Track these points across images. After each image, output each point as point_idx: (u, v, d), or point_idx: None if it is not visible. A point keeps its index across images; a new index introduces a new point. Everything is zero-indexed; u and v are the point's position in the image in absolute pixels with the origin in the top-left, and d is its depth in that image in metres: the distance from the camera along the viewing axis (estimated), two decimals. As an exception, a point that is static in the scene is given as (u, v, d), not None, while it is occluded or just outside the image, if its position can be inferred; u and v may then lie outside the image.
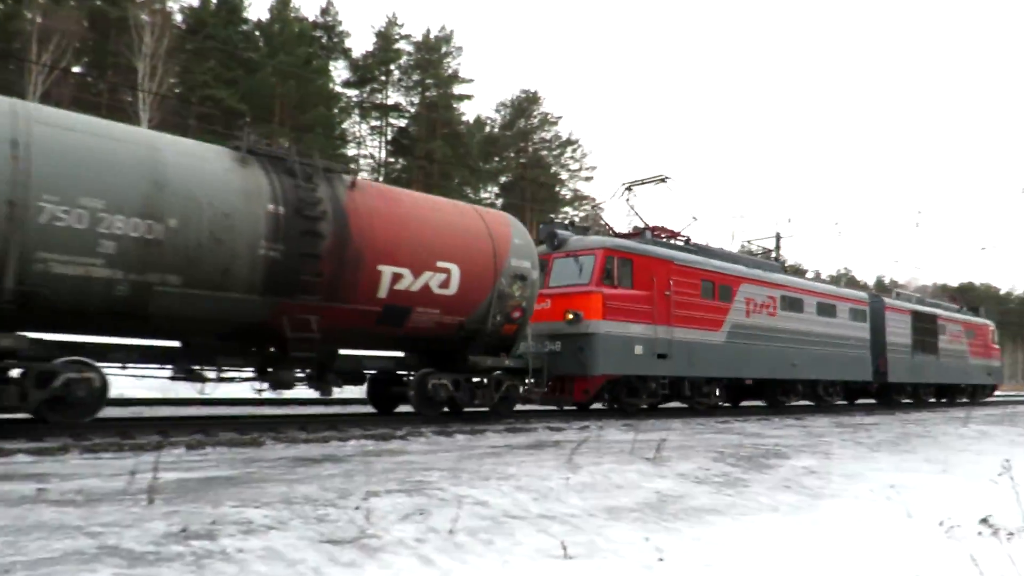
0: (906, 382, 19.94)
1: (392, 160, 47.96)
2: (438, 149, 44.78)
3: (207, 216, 7.85)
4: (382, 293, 9.24)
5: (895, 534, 5.13)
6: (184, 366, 8.20)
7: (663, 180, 15.80)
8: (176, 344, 8.43)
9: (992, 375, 23.86)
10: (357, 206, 9.22)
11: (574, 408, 13.80)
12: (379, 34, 48.27)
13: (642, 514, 5.01)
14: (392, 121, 48.53)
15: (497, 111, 54.27)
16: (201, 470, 5.47)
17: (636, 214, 15.71)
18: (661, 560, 4.17)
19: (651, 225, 15.05)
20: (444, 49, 48.66)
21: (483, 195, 49.34)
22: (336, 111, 44.36)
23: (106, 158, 7.36)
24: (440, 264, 9.85)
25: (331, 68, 45.33)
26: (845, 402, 19.81)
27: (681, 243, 15.24)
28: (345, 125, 46.69)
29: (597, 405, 14.09)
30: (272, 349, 8.77)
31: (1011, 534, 4.78)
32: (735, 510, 5.46)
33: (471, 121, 50.28)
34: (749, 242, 37.03)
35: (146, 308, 7.59)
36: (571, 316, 12.06)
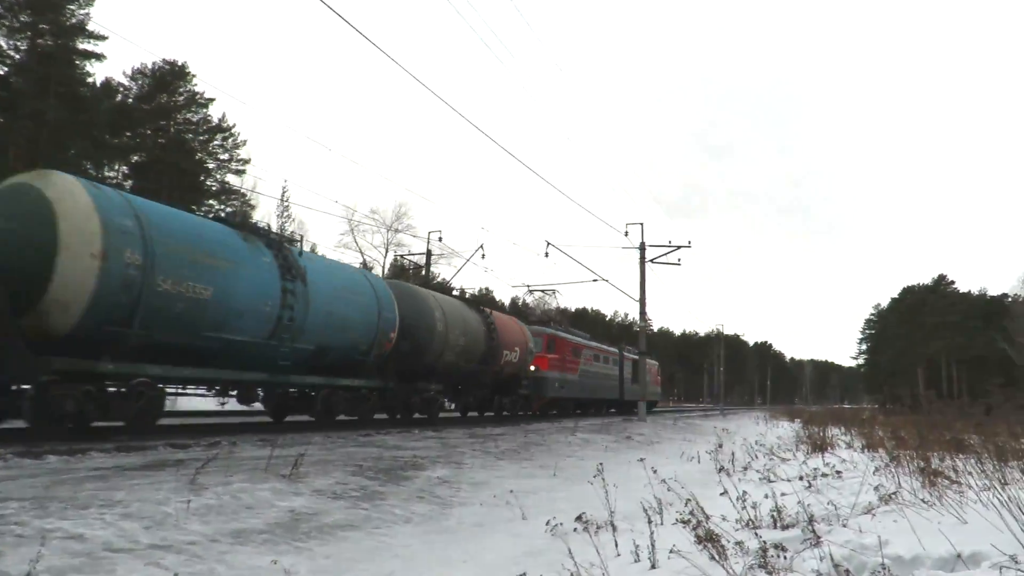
0: (629, 399, 37.66)
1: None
2: (51, 110, 37.98)
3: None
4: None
5: (512, 535, 5.61)
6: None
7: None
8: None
9: (657, 394, 47.71)
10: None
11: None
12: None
13: (272, 535, 4.73)
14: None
15: (134, 79, 48.10)
16: None
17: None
18: (288, 582, 3.96)
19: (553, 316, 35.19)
20: (67, -10, 41.63)
21: (109, 173, 43.25)
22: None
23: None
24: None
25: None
26: (612, 411, 37.44)
27: (563, 328, 31.69)
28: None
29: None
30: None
31: (599, 527, 5.55)
32: (370, 524, 5.46)
33: (98, 85, 43.77)
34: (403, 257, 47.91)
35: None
36: (533, 368, 25.77)
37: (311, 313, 13.57)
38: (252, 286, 12.20)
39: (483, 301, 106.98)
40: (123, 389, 10.09)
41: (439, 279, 75.91)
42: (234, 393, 13.15)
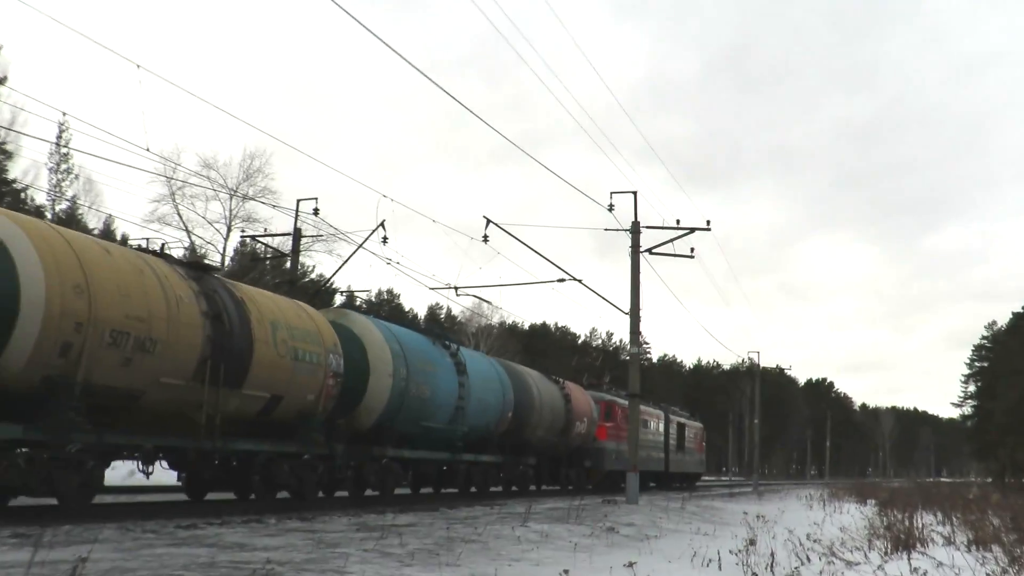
0: (675, 471, 49.55)
1: None
2: None
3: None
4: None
5: None
6: None
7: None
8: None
9: (702, 465, 61.85)
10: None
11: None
12: None
13: None
14: None
15: None
16: None
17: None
18: None
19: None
20: None
21: None
22: None
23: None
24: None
25: None
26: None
27: (611, 389, 44.68)
28: None
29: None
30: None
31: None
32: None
33: None
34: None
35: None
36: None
37: (471, 401, 27.01)
38: (445, 383, 25.76)
39: (390, 313, 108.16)
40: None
41: (312, 275, 74.39)
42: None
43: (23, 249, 13.42)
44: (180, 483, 20.02)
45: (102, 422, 14.93)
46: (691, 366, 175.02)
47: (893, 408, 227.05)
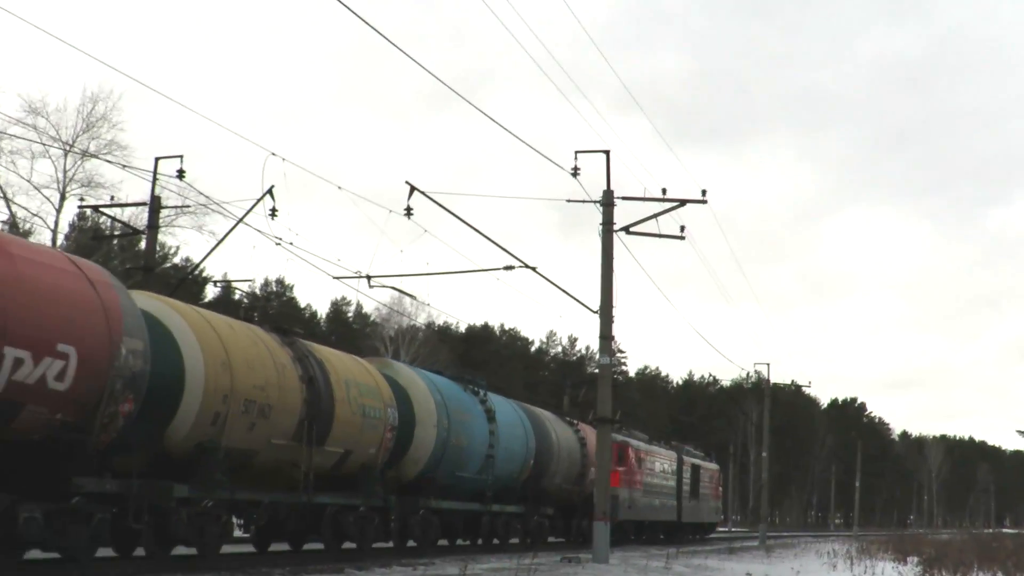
0: (688, 521, 60.62)
1: None
2: None
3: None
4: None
5: None
6: None
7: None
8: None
9: (718, 512, 75.59)
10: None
11: None
12: None
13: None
14: None
15: None
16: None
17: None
18: None
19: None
20: None
21: None
22: None
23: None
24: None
25: None
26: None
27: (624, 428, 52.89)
28: None
29: None
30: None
31: None
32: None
33: None
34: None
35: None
36: None
37: (499, 449, 34.64)
38: (478, 431, 33.55)
39: (280, 311, 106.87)
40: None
41: (176, 258, 76.76)
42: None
43: (183, 332, 20.57)
44: (248, 534, 27.25)
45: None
46: (680, 382, 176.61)
47: (943, 438, 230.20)
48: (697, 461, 64.84)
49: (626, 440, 49.64)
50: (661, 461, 55.62)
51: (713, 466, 71.69)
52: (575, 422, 45.68)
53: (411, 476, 30.15)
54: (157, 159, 36.71)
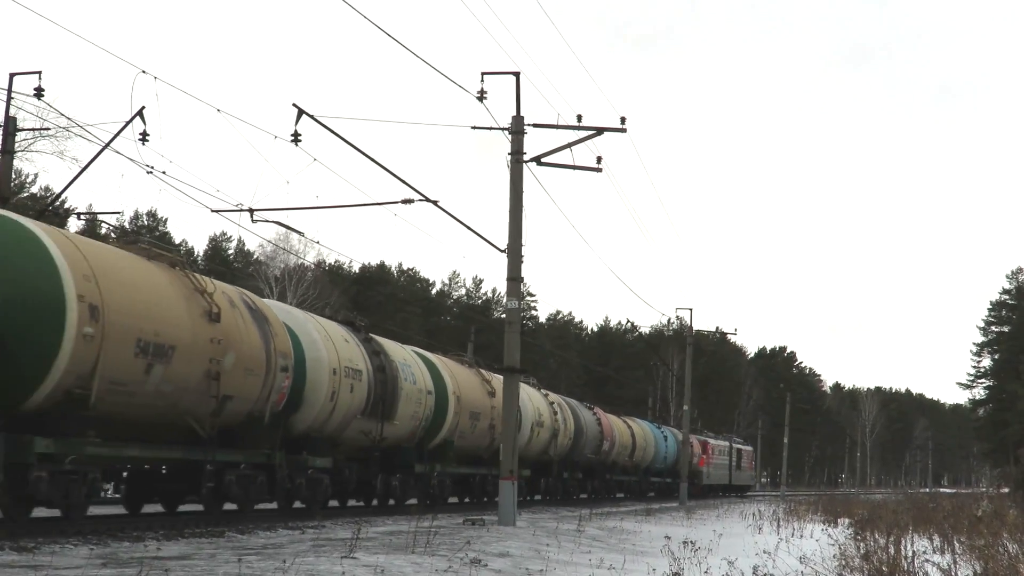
0: (736, 483, 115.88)
1: None
2: None
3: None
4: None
5: None
6: None
7: None
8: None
9: (751, 479, 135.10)
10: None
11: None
12: None
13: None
14: None
15: None
16: None
17: None
18: None
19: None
20: None
21: None
22: None
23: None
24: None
25: None
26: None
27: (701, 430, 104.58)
28: None
29: None
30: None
31: None
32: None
33: None
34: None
35: None
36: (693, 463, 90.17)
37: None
38: None
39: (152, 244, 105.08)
40: None
41: (34, 187, 76.66)
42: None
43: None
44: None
45: None
46: (595, 329, 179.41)
47: (878, 390, 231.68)
48: (739, 446, 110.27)
49: (706, 439, 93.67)
50: (721, 448, 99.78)
51: (748, 448, 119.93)
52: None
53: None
54: (12, 75, 36.14)
